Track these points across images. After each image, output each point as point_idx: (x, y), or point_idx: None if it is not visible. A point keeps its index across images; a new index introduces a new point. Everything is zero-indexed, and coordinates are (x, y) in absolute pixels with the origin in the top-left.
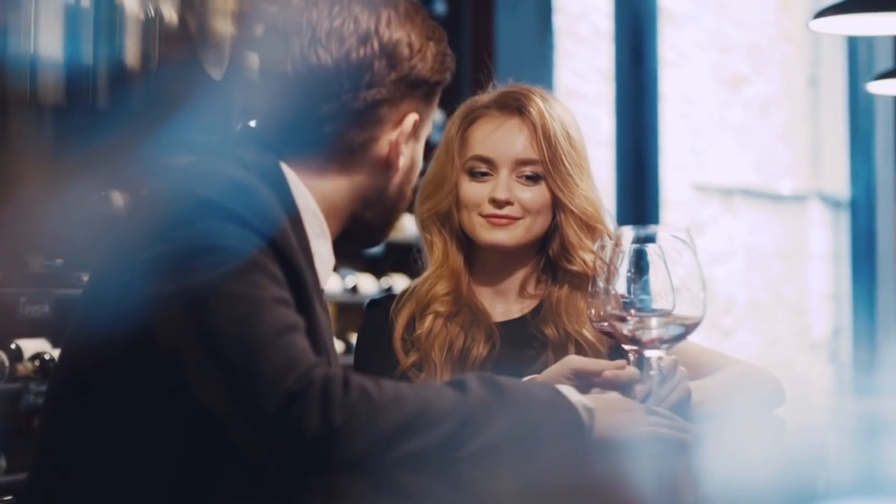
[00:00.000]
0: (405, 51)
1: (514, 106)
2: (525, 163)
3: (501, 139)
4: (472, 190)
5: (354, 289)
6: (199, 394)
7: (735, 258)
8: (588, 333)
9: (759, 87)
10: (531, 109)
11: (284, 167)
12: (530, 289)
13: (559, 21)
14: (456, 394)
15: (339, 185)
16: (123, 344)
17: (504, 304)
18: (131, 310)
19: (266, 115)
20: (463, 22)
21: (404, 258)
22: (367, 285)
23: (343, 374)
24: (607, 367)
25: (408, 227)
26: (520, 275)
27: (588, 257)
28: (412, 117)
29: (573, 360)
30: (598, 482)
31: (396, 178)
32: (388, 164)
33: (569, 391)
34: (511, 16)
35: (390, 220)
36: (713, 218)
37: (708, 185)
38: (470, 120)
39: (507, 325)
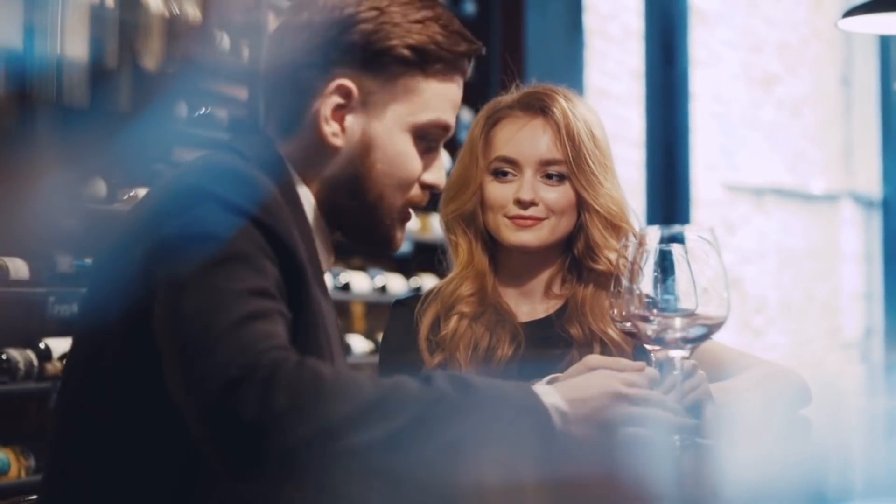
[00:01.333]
0: (337, 14)
1: (538, 106)
2: (549, 163)
3: (525, 140)
4: (497, 191)
5: (383, 288)
6: (168, 385)
7: (766, 258)
8: (613, 333)
9: (790, 86)
10: (555, 109)
11: (284, 157)
12: (556, 289)
13: (589, 21)
14: (418, 388)
15: (292, 163)
16: (122, 336)
17: (529, 304)
18: (129, 301)
19: (263, 108)
20: (492, 22)
21: (433, 258)
22: (396, 285)
23: (301, 359)
24: (626, 368)
25: (436, 226)
26: (545, 275)
27: (613, 256)
28: (337, 82)
29: (592, 360)
30: (571, 479)
31: (345, 155)
32: (320, 133)
33: (545, 392)
34: (540, 16)
35: (367, 210)
36: (744, 218)
37: (739, 185)
38: (493, 121)
39: (532, 325)
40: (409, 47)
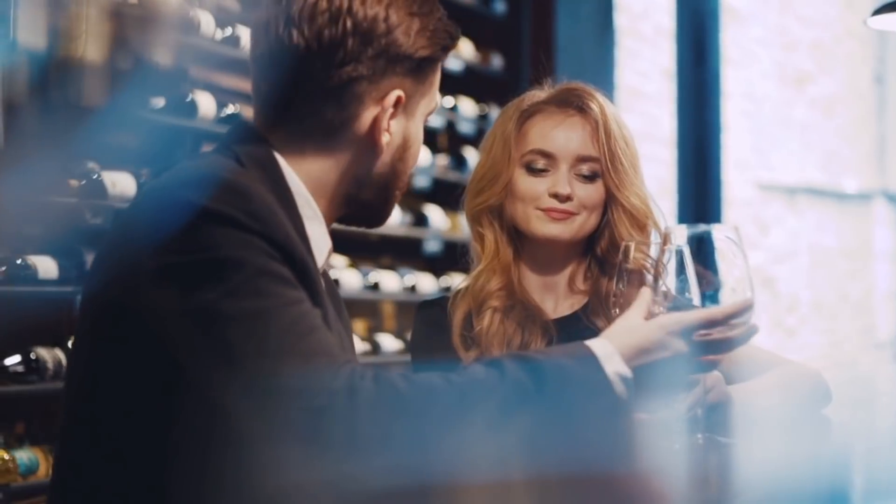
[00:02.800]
0: (381, 27)
1: (575, 104)
2: (585, 159)
3: (563, 135)
4: (530, 184)
5: (413, 288)
6: (224, 404)
7: (799, 257)
8: None
9: (823, 84)
10: (593, 107)
11: (277, 155)
12: (579, 283)
13: (621, 20)
14: (493, 380)
15: (325, 166)
16: (121, 342)
17: (553, 299)
18: (133, 312)
19: (254, 100)
20: (522, 22)
21: (464, 257)
22: (426, 284)
23: (374, 373)
24: None
25: (465, 226)
26: (568, 270)
27: (638, 254)
28: (395, 94)
29: None
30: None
31: (386, 156)
32: (372, 142)
33: (606, 356)
34: (571, 15)
35: (387, 199)
36: (777, 217)
37: (772, 184)
38: (528, 115)
39: (561, 321)
40: (441, 47)
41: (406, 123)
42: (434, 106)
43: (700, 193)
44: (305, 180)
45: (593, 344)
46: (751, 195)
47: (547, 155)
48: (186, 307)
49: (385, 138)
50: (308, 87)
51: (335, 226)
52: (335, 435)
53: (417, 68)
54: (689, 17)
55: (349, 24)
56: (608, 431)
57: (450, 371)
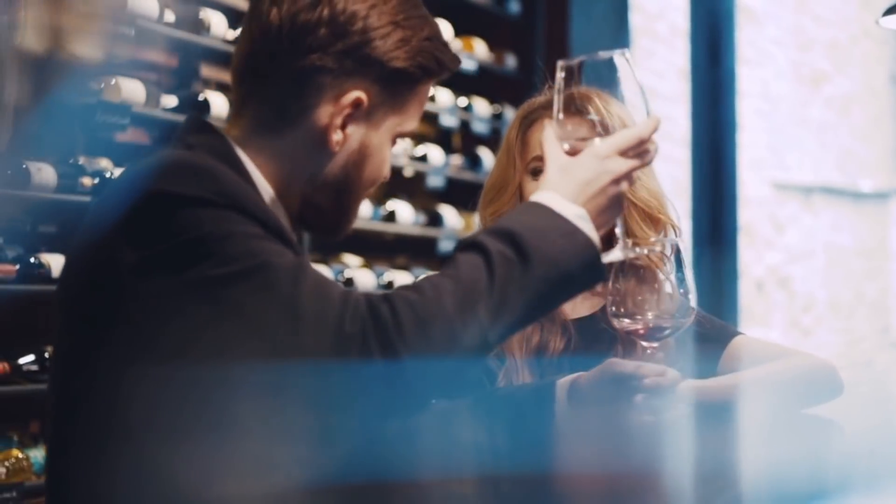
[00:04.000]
0: (358, 24)
1: (573, 106)
2: None
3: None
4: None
5: None
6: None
7: (815, 257)
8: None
9: (839, 84)
10: (590, 108)
11: (234, 144)
12: (597, 286)
13: (636, 20)
14: (487, 274)
15: (280, 158)
16: (100, 337)
17: (571, 302)
18: (118, 309)
19: (231, 82)
20: (537, 22)
21: None
22: None
23: (381, 294)
24: (647, 372)
25: (478, 227)
26: None
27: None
28: (354, 94)
29: (612, 364)
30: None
31: (339, 159)
32: (324, 139)
33: (558, 205)
34: (585, 15)
35: (342, 208)
36: (793, 216)
37: (788, 184)
38: (529, 122)
39: (580, 322)
40: (420, 66)
41: (366, 132)
42: (408, 129)
43: (715, 193)
44: (262, 172)
45: (541, 197)
46: (766, 195)
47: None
48: (184, 287)
49: (336, 136)
50: (273, 67)
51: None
52: (376, 356)
53: (388, 79)
54: (704, 17)
55: (325, 12)
56: (591, 279)
57: (437, 273)
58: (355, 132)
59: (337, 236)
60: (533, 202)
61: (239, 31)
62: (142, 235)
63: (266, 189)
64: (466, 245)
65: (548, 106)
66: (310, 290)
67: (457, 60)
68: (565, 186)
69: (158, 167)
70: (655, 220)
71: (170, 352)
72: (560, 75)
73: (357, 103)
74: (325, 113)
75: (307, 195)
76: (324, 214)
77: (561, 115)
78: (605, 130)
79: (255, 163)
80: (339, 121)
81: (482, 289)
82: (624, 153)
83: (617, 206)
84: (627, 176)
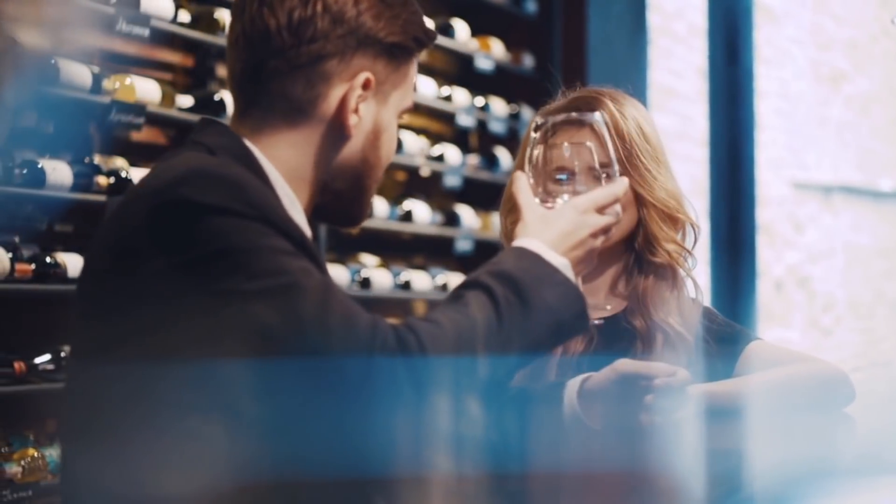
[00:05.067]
0: (350, 10)
1: (585, 111)
2: (602, 166)
3: (573, 148)
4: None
5: (444, 287)
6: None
7: (835, 256)
8: (674, 322)
9: (859, 83)
10: (603, 112)
11: (248, 143)
12: (621, 287)
13: (654, 19)
14: (488, 315)
15: (295, 150)
16: (115, 337)
17: (594, 303)
18: (133, 304)
19: (228, 86)
20: (554, 21)
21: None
22: (457, 283)
23: (404, 325)
24: (658, 372)
25: (496, 225)
26: (609, 273)
27: (671, 247)
28: (364, 74)
29: (622, 364)
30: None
31: (356, 142)
32: (340, 123)
33: (545, 252)
34: (603, 15)
35: (361, 191)
36: (812, 216)
37: (807, 183)
38: (543, 133)
39: (602, 322)
40: (413, 38)
41: (377, 109)
42: (409, 103)
43: (733, 192)
44: (277, 166)
45: (529, 244)
46: (786, 194)
47: (565, 169)
48: (209, 297)
49: (353, 119)
50: (277, 64)
51: (367, 225)
52: (391, 387)
53: (389, 53)
54: (722, 16)
55: (319, 5)
56: (579, 329)
57: (448, 308)
58: (367, 112)
59: (355, 224)
60: (523, 248)
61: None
62: (168, 242)
63: (283, 186)
64: (472, 285)
65: (564, 111)
66: (338, 315)
67: (435, 33)
68: (549, 235)
69: (187, 173)
70: (674, 220)
71: (182, 357)
72: (534, 134)
73: (367, 83)
74: (336, 97)
75: (326, 183)
76: (343, 201)
77: (535, 165)
78: (618, 132)
79: (269, 158)
80: (353, 103)
81: (494, 330)
82: (600, 209)
83: (590, 260)
84: (603, 230)
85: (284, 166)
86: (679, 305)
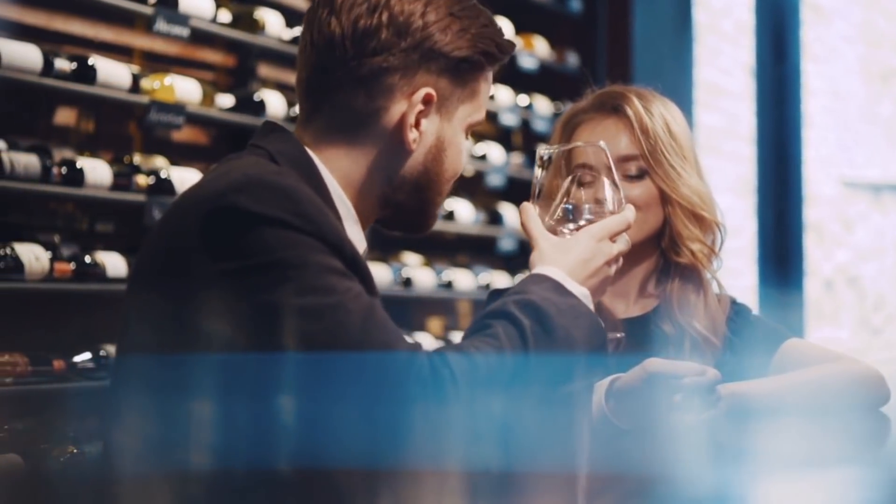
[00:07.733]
0: (417, 22)
1: (610, 105)
2: (626, 159)
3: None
4: (580, 196)
5: (488, 286)
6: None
7: (885, 255)
8: (700, 326)
9: None
10: (626, 107)
11: (309, 152)
12: (650, 288)
13: (701, 17)
14: (514, 344)
15: (354, 161)
16: (159, 340)
17: (624, 304)
18: (187, 312)
19: (297, 92)
20: (599, 19)
21: None
22: (501, 283)
23: (432, 358)
24: (687, 371)
25: None
26: (638, 274)
27: (697, 247)
28: (424, 90)
29: (651, 364)
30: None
31: (418, 156)
32: (399, 138)
33: (565, 281)
34: (648, 13)
35: (426, 204)
36: (862, 214)
37: (857, 181)
38: (571, 127)
39: (631, 322)
40: (483, 53)
41: (441, 124)
42: (479, 118)
43: (781, 190)
44: (337, 177)
45: (549, 272)
46: (835, 192)
47: (589, 166)
48: (255, 307)
49: (412, 135)
50: (340, 75)
51: None
52: (419, 417)
53: (455, 69)
54: (768, 14)
55: (385, 16)
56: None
57: (480, 342)
58: (430, 127)
59: (422, 232)
60: (545, 276)
61: (298, 35)
62: (220, 249)
63: (341, 196)
64: (499, 315)
65: (588, 109)
66: (377, 342)
67: (512, 44)
68: (567, 263)
69: (244, 181)
70: (700, 218)
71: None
72: (538, 170)
73: (428, 99)
74: (397, 112)
75: (387, 195)
76: (406, 213)
77: (538, 198)
78: (643, 128)
79: (329, 169)
80: (412, 119)
81: (521, 367)
82: (613, 237)
83: (604, 288)
84: (616, 259)
85: (344, 177)
86: (706, 308)
